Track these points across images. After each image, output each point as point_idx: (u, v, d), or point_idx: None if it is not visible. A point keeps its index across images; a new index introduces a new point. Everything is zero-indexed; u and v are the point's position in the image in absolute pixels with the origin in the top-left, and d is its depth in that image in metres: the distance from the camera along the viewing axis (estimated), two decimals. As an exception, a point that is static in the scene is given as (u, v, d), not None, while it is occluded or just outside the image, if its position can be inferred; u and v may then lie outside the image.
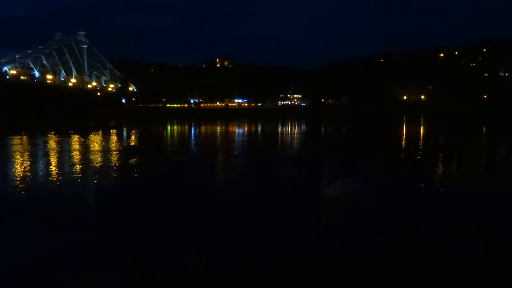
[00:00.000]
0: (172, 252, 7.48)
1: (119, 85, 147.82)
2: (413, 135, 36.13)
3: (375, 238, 8.16)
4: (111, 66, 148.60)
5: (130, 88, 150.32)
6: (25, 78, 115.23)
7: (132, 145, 28.06)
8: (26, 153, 22.34)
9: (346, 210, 10.26)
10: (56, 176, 15.42)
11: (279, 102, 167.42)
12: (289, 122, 63.04)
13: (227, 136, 38.04)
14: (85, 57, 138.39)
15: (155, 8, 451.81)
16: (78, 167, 17.56)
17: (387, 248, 7.58)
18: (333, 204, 10.52)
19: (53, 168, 17.27)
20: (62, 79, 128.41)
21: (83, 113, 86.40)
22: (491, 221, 9.26)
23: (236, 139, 33.28)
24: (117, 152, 22.92)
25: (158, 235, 8.42)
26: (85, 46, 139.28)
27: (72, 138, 33.15)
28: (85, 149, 24.81)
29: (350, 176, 11.59)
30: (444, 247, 7.62)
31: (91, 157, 20.80)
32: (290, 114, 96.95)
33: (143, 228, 8.88)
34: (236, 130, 46.84)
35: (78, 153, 22.68)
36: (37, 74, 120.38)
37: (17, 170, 16.54)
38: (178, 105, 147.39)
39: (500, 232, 8.47)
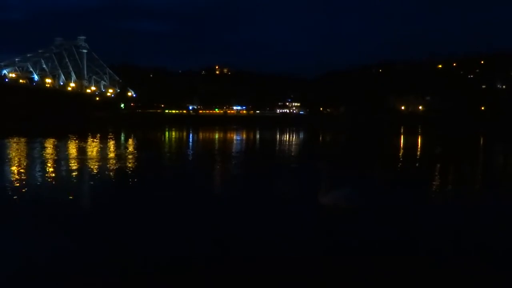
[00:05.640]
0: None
1: (118, 90, 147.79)
2: (410, 146, 36.20)
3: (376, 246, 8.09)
4: (110, 71, 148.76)
5: (129, 94, 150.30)
6: (24, 81, 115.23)
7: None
8: None
9: (346, 219, 10.15)
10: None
11: (278, 110, 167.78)
12: (288, 131, 63.08)
13: (228, 145, 37.97)
14: (85, 61, 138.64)
15: (155, 14, 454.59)
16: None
17: (389, 257, 7.50)
18: (332, 213, 10.40)
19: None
20: (61, 83, 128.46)
21: (78, 118, 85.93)
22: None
23: (236, 149, 33.25)
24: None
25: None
26: (85, 51, 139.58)
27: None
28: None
29: (349, 185, 11.49)
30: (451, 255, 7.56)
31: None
32: (288, 123, 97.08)
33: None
34: (237, 138, 46.76)
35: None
36: (36, 77, 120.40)
37: None
38: (177, 111, 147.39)
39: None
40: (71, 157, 23.11)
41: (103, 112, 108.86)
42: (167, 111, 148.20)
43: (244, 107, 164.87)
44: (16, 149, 26.08)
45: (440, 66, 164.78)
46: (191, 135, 51.30)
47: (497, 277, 6.85)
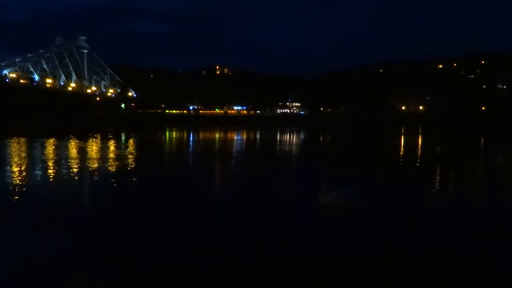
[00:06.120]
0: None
1: (119, 90, 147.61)
2: (410, 145, 36.24)
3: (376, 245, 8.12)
4: (111, 71, 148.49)
5: (130, 94, 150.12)
6: (25, 81, 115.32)
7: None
8: None
9: (345, 219, 10.17)
10: None
11: (278, 110, 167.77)
12: (289, 131, 63.08)
13: (228, 145, 37.98)
14: (85, 61, 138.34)
15: (155, 14, 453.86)
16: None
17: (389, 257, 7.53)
18: (332, 213, 10.42)
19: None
20: (62, 84, 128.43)
21: (78, 118, 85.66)
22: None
23: (237, 149, 33.26)
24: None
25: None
26: (86, 51, 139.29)
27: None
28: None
29: (349, 185, 11.50)
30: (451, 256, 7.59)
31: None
32: (289, 123, 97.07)
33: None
34: (238, 138, 46.75)
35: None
36: (36, 78, 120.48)
37: None
38: (177, 111, 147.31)
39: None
40: (71, 157, 23.15)
41: (103, 112, 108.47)
42: (167, 111, 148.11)
43: (244, 107, 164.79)
44: (15, 149, 26.13)
45: (440, 66, 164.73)
46: (193, 135, 51.27)
47: (497, 278, 6.89)
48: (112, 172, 17.61)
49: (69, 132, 44.63)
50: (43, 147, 28.24)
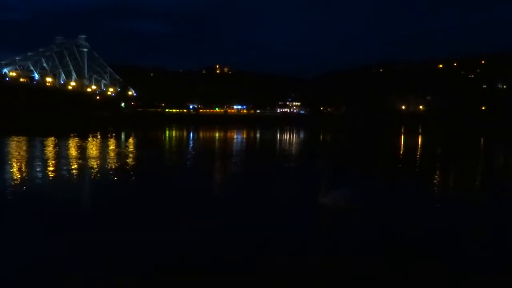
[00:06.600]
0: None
1: (119, 89, 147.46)
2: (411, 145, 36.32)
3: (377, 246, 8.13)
4: (111, 70, 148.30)
5: (130, 93, 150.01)
6: (25, 80, 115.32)
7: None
8: None
9: (345, 220, 10.18)
10: None
11: (278, 110, 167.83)
12: (289, 130, 63.10)
13: (228, 144, 37.99)
14: (85, 60, 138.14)
15: (155, 14, 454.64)
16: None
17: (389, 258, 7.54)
18: (331, 213, 10.43)
19: None
20: (62, 82, 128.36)
21: (78, 117, 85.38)
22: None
23: (237, 148, 33.27)
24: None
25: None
26: (86, 50, 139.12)
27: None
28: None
29: (349, 185, 11.50)
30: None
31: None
32: (289, 122, 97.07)
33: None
34: (238, 137, 46.75)
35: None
36: (37, 76, 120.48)
37: None
38: (177, 111, 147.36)
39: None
40: (70, 156, 23.15)
41: (104, 112, 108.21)
42: (167, 110, 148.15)
43: (244, 107, 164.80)
44: (15, 148, 26.13)
45: (440, 66, 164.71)
46: (193, 134, 51.27)
47: (497, 278, 6.90)
48: (113, 170, 17.62)
49: (70, 131, 44.60)
50: (43, 146, 28.22)
